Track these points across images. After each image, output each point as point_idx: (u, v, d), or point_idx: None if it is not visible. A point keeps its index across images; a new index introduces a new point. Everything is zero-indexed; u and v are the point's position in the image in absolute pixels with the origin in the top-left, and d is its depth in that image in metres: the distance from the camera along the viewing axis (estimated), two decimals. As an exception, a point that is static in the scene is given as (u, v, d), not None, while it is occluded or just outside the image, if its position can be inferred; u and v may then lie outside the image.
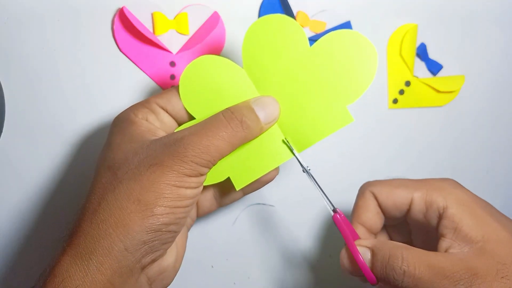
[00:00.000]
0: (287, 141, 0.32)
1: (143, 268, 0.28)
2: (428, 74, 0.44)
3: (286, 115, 0.32)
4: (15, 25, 0.38)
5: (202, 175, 0.29)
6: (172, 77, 0.40)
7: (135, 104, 0.32)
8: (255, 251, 0.43)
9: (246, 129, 0.30)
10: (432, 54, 0.44)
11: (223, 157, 0.30)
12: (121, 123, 0.31)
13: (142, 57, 0.39)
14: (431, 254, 0.29)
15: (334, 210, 0.32)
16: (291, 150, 0.32)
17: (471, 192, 0.31)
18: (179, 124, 0.33)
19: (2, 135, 0.39)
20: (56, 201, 0.40)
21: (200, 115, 0.32)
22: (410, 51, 0.43)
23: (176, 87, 0.33)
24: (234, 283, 0.43)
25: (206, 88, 0.32)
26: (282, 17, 0.31)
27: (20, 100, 0.39)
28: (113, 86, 0.40)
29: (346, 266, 0.30)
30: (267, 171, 0.32)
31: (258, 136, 0.32)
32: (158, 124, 0.32)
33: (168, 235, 0.28)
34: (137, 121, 0.31)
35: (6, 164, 0.39)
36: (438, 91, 0.44)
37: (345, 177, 0.44)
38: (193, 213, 0.35)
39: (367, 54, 0.31)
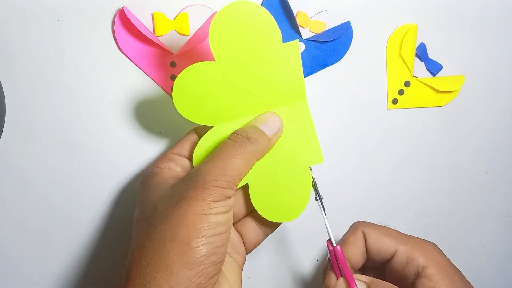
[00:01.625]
0: (310, 168, 0.34)
1: None
2: (428, 74, 0.44)
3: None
4: (15, 25, 0.38)
5: (228, 197, 0.30)
6: (173, 77, 0.40)
7: (155, 160, 0.34)
8: (255, 251, 0.43)
9: (254, 142, 0.31)
10: (432, 54, 0.44)
11: (242, 176, 0.31)
12: (146, 180, 0.33)
13: (143, 57, 0.39)
14: None
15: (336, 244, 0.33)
16: (311, 178, 0.34)
17: (449, 259, 0.34)
18: None
19: (2, 135, 0.39)
20: (56, 201, 0.40)
21: (197, 118, 0.33)
22: (409, 51, 0.43)
23: (184, 136, 0.35)
24: (234, 283, 0.43)
25: (202, 93, 0.33)
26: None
27: (20, 100, 0.39)
28: (113, 86, 0.40)
29: None
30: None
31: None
32: (179, 169, 0.33)
33: (211, 268, 0.28)
34: (159, 172, 0.32)
35: (6, 164, 0.39)
36: (438, 91, 0.44)
37: (344, 177, 0.44)
38: (241, 249, 0.35)
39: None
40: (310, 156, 0.34)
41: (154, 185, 0.31)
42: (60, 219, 0.40)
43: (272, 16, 0.32)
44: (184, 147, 0.34)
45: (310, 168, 0.34)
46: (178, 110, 0.33)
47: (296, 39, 0.33)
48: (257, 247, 0.43)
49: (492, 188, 0.47)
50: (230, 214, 0.30)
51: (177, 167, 0.33)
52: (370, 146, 0.44)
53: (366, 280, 0.32)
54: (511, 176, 0.47)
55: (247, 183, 0.33)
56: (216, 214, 0.29)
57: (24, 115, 0.39)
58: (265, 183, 0.33)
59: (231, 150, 0.30)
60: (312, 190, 0.34)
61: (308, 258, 0.44)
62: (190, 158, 0.34)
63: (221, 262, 0.29)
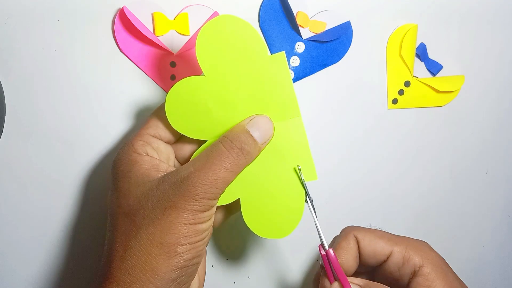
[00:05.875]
0: (299, 169, 0.33)
1: None
2: (428, 74, 0.44)
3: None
4: (15, 25, 0.38)
5: (212, 207, 0.31)
6: (173, 77, 0.40)
7: (130, 141, 0.33)
8: (255, 251, 0.43)
9: (246, 155, 0.31)
10: (432, 54, 0.44)
11: (228, 185, 0.31)
12: (123, 165, 0.32)
13: (142, 57, 0.39)
14: None
15: (328, 248, 0.33)
16: (300, 179, 0.33)
17: (442, 257, 0.34)
18: (174, 140, 0.34)
19: (2, 135, 0.39)
20: (55, 202, 0.40)
21: (190, 132, 0.33)
22: (409, 51, 0.43)
23: (156, 112, 0.34)
24: (234, 283, 0.43)
25: (193, 108, 0.32)
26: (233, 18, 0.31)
27: (20, 100, 0.39)
28: (113, 86, 0.40)
29: None
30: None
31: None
32: (157, 155, 0.33)
33: (192, 268, 0.30)
34: (138, 160, 0.32)
35: (6, 164, 0.39)
36: (438, 91, 0.44)
37: (343, 177, 0.44)
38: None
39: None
40: (304, 172, 0.33)
41: (135, 177, 0.31)
42: (60, 218, 0.40)
43: (256, 30, 0.32)
44: (160, 127, 0.33)
45: (299, 169, 0.33)
46: (172, 125, 0.32)
47: (283, 50, 0.32)
48: (257, 247, 0.43)
49: (492, 188, 0.47)
50: (212, 220, 0.31)
51: (154, 153, 0.33)
52: (370, 146, 0.44)
53: (360, 283, 0.32)
54: (511, 175, 0.47)
55: (239, 198, 0.33)
56: (202, 223, 0.30)
57: (24, 115, 0.39)
58: (258, 199, 0.33)
59: (224, 163, 0.30)
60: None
61: (308, 258, 0.44)
62: (166, 140, 0.33)
63: (201, 261, 0.31)
